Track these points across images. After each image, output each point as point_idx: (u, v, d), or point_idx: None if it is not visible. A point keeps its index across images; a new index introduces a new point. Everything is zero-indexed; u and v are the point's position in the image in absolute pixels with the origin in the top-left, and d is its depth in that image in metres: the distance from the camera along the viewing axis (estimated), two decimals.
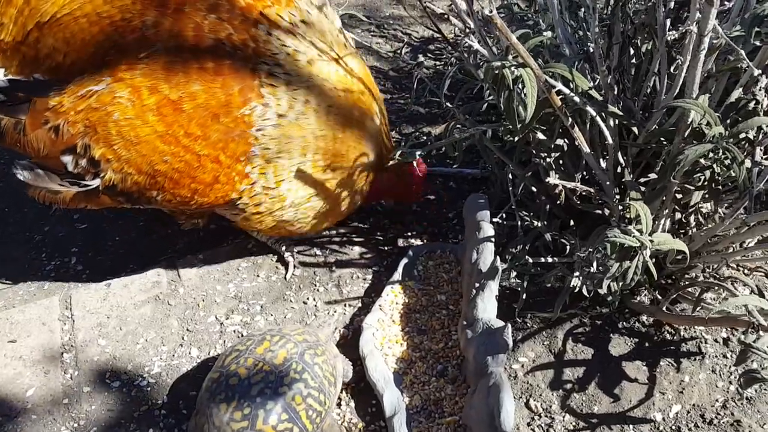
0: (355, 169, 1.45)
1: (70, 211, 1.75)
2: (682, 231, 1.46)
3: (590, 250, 1.22)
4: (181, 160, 1.27)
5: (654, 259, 1.19)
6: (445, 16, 2.22)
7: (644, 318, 1.46)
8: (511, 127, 1.28)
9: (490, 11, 1.04)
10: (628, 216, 1.35)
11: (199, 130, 1.26)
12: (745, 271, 1.51)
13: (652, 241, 1.12)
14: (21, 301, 1.55)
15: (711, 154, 1.14)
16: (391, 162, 1.56)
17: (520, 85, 1.19)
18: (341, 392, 1.36)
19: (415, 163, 1.56)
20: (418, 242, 1.67)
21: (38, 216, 1.75)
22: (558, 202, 1.31)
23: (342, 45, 1.45)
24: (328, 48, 1.40)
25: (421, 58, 2.28)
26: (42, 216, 1.75)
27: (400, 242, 1.68)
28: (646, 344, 1.42)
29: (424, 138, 1.95)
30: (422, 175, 1.58)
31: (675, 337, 1.43)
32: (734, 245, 1.39)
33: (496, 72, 1.19)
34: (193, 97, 1.25)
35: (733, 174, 1.15)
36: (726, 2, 1.00)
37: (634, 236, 1.11)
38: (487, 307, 1.26)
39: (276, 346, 1.23)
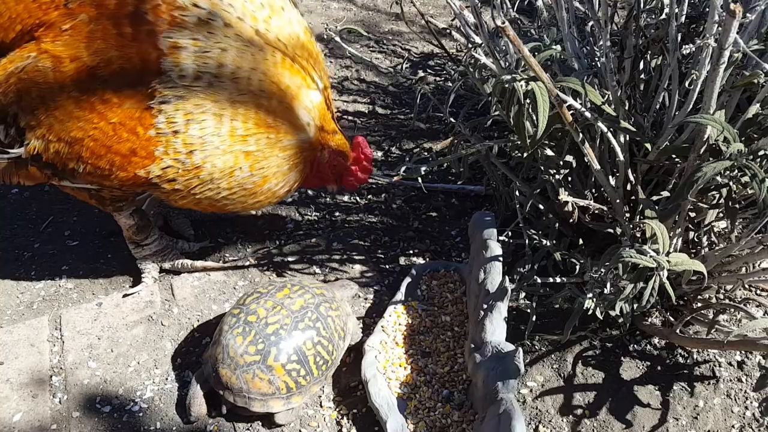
0: (287, 142, 1.35)
1: (62, 228, 1.70)
2: (693, 251, 1.42)
3: (603, 270, 1.18)
4: (95, 127, 1.24)
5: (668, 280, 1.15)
6: (447, 31, 2.20)
7: (656, 340, 1.41)
8: (519, 142, 1.24)
9: (503, 22, 1.01)
10: (639, 235, 1.32)
11: (115, 97, 1.23)
12: (758, 292, 1.47)
13: (669, 261, 1.08)
14: (8, 321, 1.49)
15: (728, 172, 1.11)
16: (333, 141, 1.44)
17: (528, 100, 1.16)
18: (342, 418, 1.31)
19: (359, 142, 1.45)
20: (421, 260, 1.62)
21: (28, 232, 1.69)
22: (571, 220, 1.26)
23: (277, 8, 1.36)
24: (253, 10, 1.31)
25: (421, 73, 2.24)
26: (32, 233, 1.69)
27: (402, 260, 1.63)
28: (659, 368, 1.37)
29: (426, 154, 1.91)
30: (366, 156, 1.46)
31: (688, 360, 1.38)
32: (748, 265, 1.35)
33: (506, 86, 1.16)
34: (110, 62, 1.22)
35: (750, 191, 1.12)
36: (748, 15, 0.96)
37: (650, 256, 1.07)
38: (496, 330, 1.21)
39: (295, 294, 1.32)
